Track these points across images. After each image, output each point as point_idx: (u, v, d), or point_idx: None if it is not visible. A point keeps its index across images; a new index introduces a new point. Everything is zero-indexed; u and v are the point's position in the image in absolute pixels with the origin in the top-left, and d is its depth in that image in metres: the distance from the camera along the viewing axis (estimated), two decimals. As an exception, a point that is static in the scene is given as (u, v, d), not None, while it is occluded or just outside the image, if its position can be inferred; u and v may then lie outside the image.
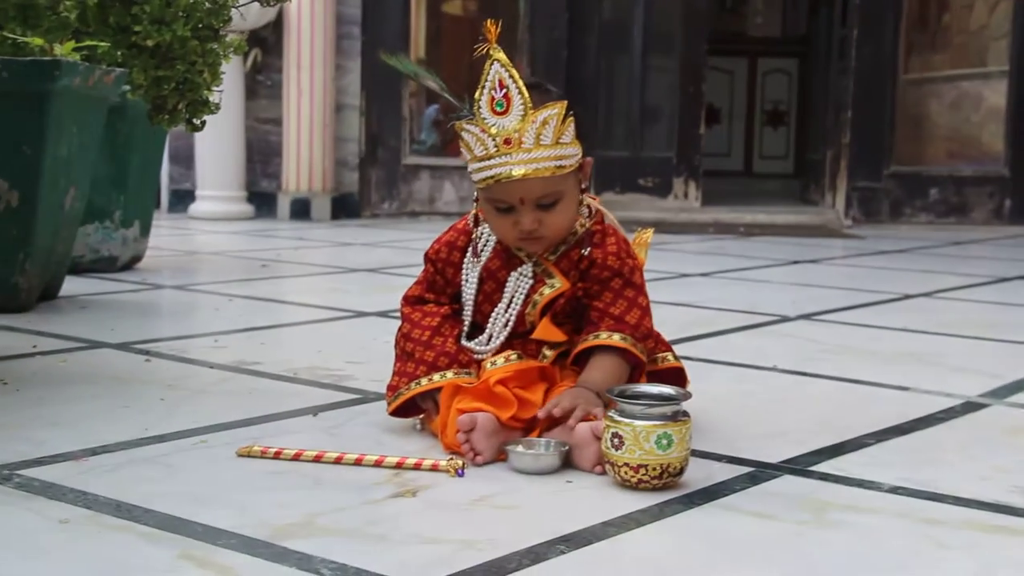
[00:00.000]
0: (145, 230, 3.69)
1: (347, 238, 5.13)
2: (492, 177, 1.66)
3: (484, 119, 1.65)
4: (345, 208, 6.16)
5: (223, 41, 2.12)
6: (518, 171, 1.64)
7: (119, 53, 2.29)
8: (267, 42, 6.09)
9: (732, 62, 9.36)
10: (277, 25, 6.01)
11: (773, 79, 9.48)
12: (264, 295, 3.27)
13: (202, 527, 1.31)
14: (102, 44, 2.91)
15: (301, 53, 5.96)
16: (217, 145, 5.88)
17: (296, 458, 1.59)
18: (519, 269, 1.76)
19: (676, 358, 1.84)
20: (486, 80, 1.64)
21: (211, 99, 2.16)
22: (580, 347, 1.71)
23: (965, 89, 6.88)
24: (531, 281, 1.75)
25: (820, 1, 7.26)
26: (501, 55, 1.64)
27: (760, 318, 2.99)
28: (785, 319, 2.99)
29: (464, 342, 1.78)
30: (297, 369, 2.21)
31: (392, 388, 1.76)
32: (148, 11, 1.95)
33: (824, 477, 1.57)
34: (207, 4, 2.01)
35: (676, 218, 6.24)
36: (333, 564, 1.21)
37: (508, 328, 1.75)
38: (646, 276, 1.81)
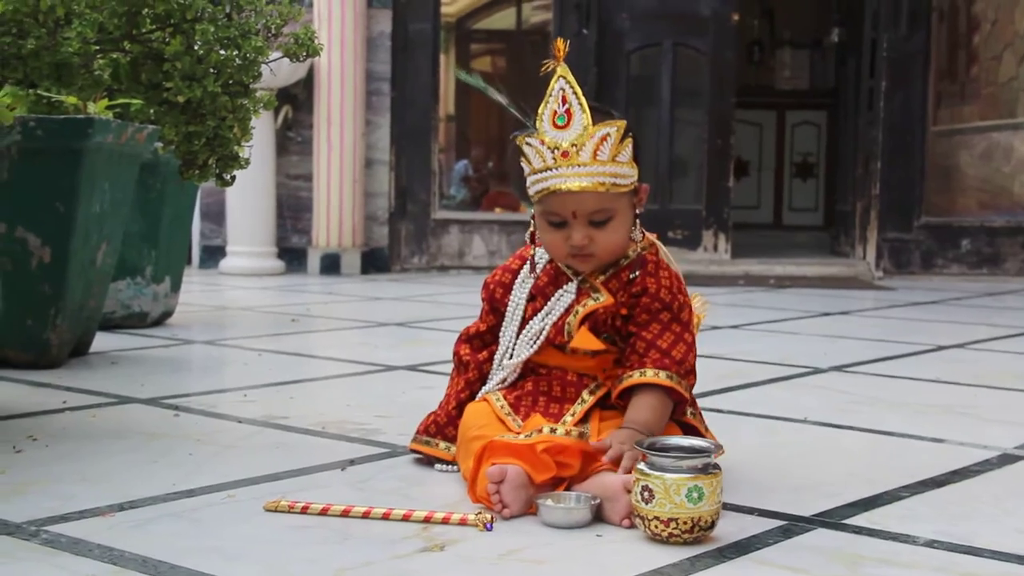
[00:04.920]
0: (176, 286, 3.71)
1: (376, 292, 5.14)
2: (547, 188, 1.69)
3: (544, 132, 1.68)
4: (375, 263, 6.18)
5: (253, 97, 2.14)
6: (573, 183, 1.67)
7: (151, 111, 2.31)
8: (298, 99, 6.15)
9: (761, 115, 9.38)
10: (308, 82, 6.08)
11: (802, 131, 9.48)
12: (293, 349, 3.27)
13: (229, 583, 1.31)
14: (135, 101, 2.95)
15: (331, 109, 6.02)
16: (248, 201, 5.93)
17: (323, 513, 1.58)
18: (565, 286, 1.78)
19: (695, 415, 1.81)
20: (550, 95, 1.68)
21: (241, 154, 2.18)
22: (626, 383, 1.70)
23: (995, 140, 6.86)
24: (573, 296, 1.77)
25: (848, 53, 7.27)
26: (567, 72, 1.68)
27: (791, 370, 2.96)
28: (817, 371, 2.97)
29: (505, 361, 1.81)
30: (326, 423, 2.20)
31: (421, 424, 1.89)
32: (179, 68, 1.97)
33: (858, 531, 1.55)
34: (237, 60, 2.03)
35: (706, 270, 6.22)
36: (360, 620, 1.20)
37: (543, 336, 1.75)
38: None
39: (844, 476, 1.85)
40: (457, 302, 4.58)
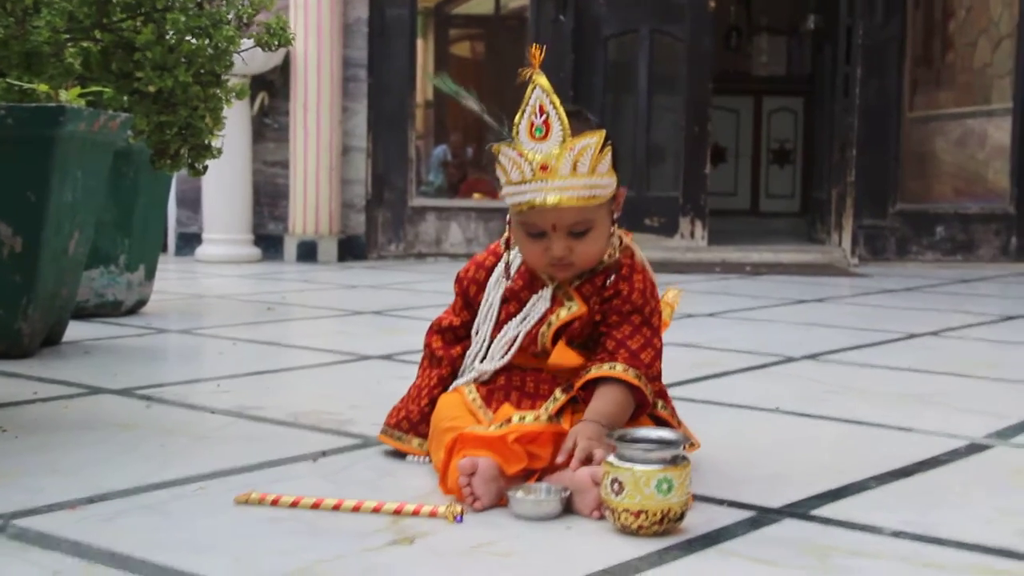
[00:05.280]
0: (150, 274, 3.69)
1: (353, 280, 5.13)
2: (526, 202, 1.67)
3: (522, 144, 1.66)
4: (352, 250, 6.17)
5: (225, 86, 2.13)
6: (552, 198, 1.65)
7: (124, 99, 2.30)
8: (274, 85, 6.12)
9: (738, 101, 9.40)
10: (284, 69, 6.05)
11: (779, 118, 9.51)
12: (268, 338, 3.27)
13: (197, 576, 1.31)
14: (107, 90, 2.93)
15: (308, 96, 6.00)
16: (224, 188, 5.91)
17: (294, 505, 1.58)
18: (540, 291, 1.77)
19: (664, 408, 1.82)
20: (527, 105, 1.65)
21: (214, 144, 2.17)
22: (594, 374, 1.70)
23: (970, 126, 6.89)
24: (548, 303, 1.76)
25: (824, 40, 7.29)
26: (543, 80, 1.65)
27: (765, 359, 2.97)
28: (790, 359, 2.98)
29: (476, 365, 1.80)
30: (299, 414, 2.20)
31: (388, 415, 1.89)
32: (150, 57, 1.96)
33: (826, 522, 1.56)
34: (209, 50, 2.02)
35: (683, 257, 6.23)
36: (328, 614, 1.20)
37: (517, 343, 1.76)
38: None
39: (813, 466, 1.86)
40: (433, 290, 4.58)
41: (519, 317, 1.78)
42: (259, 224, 6.16)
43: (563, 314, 1.75)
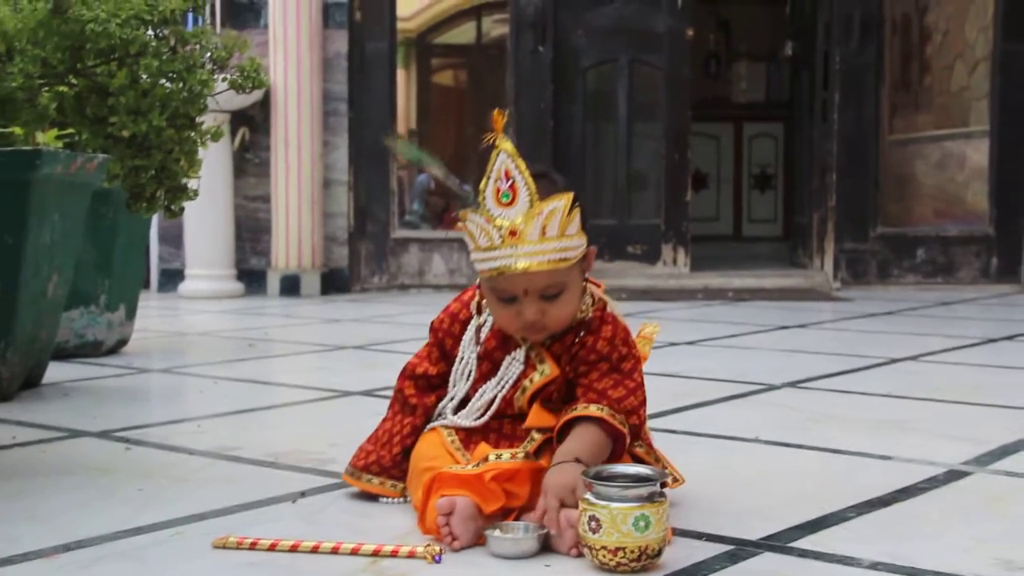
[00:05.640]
0: (131, 313, 3.69)
1: (336, 314, 5.12)
2: (496, 269, 1.66)
3: (489, 210, 1.64)
4: (335, 283, 6.17)
5: (199, 129, 2.14)
6: (522, 264, 1.63)
7: (100, 141, 2.30)
8: (254, 121, 6.13)
9: (718, 127, 9.44)
10: (264, 104, 6.06)
11: (759, 143, 9.55)
12: (250, 376, 3.26)
13: (173, 625, 1.30)
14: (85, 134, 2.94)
15: (288, 130, 6.01)
16: (206, 224, 5.91)
17: (272, 548, 1.58)
18: (513, 353, 1.76)
19: (641, 446, 1.80)
20: (492, 170, 1.64)
21: (190, 185, 2.17)
22: (561, 421, 1.71)
23: (949, 149, 6.94)
24: (522, 366, 1.75)
25: (801, 66, 7.34)
26: (508, 145, 1.63)
27: (746, 387, 2.98)
28: (771, 388, 2.99)
29: (451, 417, 1.79)
30: (278, 453, 2.20)
31: (355, 456, 1.87)
32: (124, 102, 1.96)
33: (803, 554, 1.56)
34: (183, 94, 2.02)
35: (665, 284, 6.25)
36: (304, 661, 1.20)
37: (493, 407, 1.76)
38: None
39: (792, 497, 1.86)
40: (416, 322, 4.58)
41: (494, 381, 1.77)
42: (241, 259, 6.15)
43: (536, 378, 1.74)
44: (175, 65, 1.99)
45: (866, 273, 6.53)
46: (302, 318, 4.94)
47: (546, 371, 1.74)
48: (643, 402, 1.75)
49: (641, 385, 1.76)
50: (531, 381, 1.75)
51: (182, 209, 2.25)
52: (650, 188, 6.63)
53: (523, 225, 1.62)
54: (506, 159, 1.63)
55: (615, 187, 6.60)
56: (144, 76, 2.01)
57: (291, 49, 6.00)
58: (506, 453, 1.66)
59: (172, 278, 6.19)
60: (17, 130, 2.92)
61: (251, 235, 6.20)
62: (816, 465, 2.13)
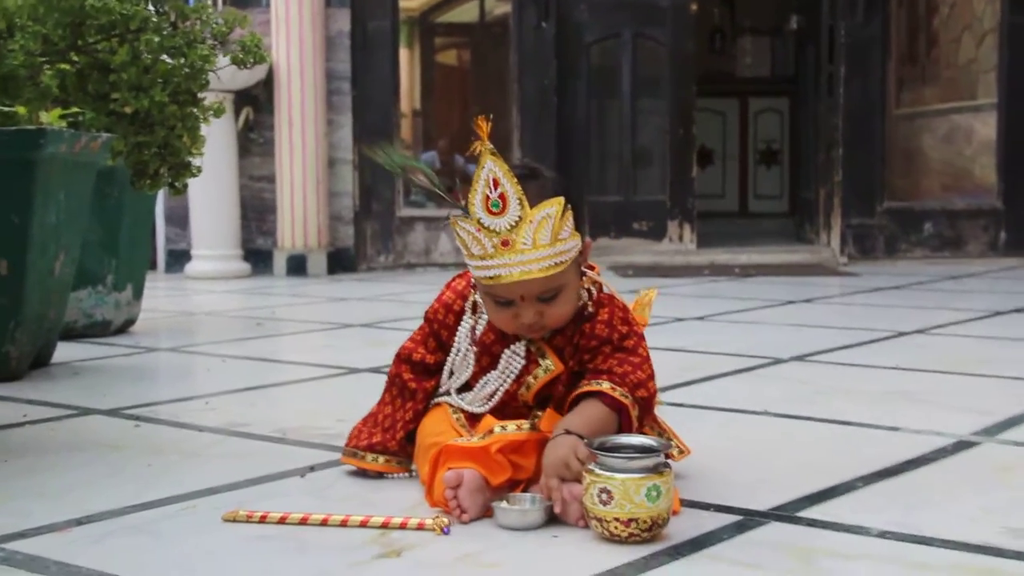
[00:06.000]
0: (138, 293, 3.69)
1: (343, 293, 5.13)
2: (490, 278, 1.64)
3: (479, 219, 1.61)
4: (341, 262, 6.18)
5: (202, 105, 2.13)
6: (517, 273, 1.62)
7: (104, 119, 2.30)
8: (258, 100, 6.13)
9: (723, 103, 9.41)
10: (268, 83, 6.05)
11: (765, 119, 9.52)
12: (257, 354, 3.27)
13: (184, 597, 1.31)
14: (88, 111, 2.93)
15: (292, 110, 6.00)
16: (212, 204, 5.91)
17: (282, 522, 1.58)
18: (512, 347, 1.75)
19: (652, 428, 1.79)
20: (479, 179, 1.61)
21: (193, 162, 2.17)
22: (576, 392, 1.70)
23: (956, 122, 6.92)
24: (523, 360, 1.74)
25: (807, 40, 7.31)
26: (494, 154, 1.59)
27: (753, 361, 2.98)
28: (778, 361, 2.99)
29: (454, 397, 1.79)
30: (287, 429, 2.20)
31: (353, 437, 1.85)
32: (126, 78, 1.96)
33: (812, 523, 1.56)
34: (185, 69, 2.02)
35: (672, 261, 6.24)
36: (315, 631, 1.20)
37: (496, 398, 1.75)
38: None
39: (800, 468, 1.86)
40: (423, 300, 4.56)
41: (496, 373, 1.75)
42: (248, 239, 6.16)
43: (540, 374, 1.73)
44: (176, 40, 1.98)
45: (873, 248, 6.52)
46: (309, 297, 4.95)
47: (550, 367, 1.73)
48: (651, 375, 1.74)
49: (647, 359, 1.75)
50: (535, 377, 1.74)
51: (185, 186, 2.24)
52: (655, 164, 6.62)
53: (515, 234, 1.60)
54: (493, 167, 1.59)
55: (620, 163, 6.59)
56: (145, 52, 2.00)
57: (293, 28, 5.98)
58: (511, 425, 1.66)
59: (179, 259, 6.19)
60: (20, 109, 2.92)
61: (257, 215, 6.20)
62: (823, 437, 2.13)
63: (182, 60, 2.00)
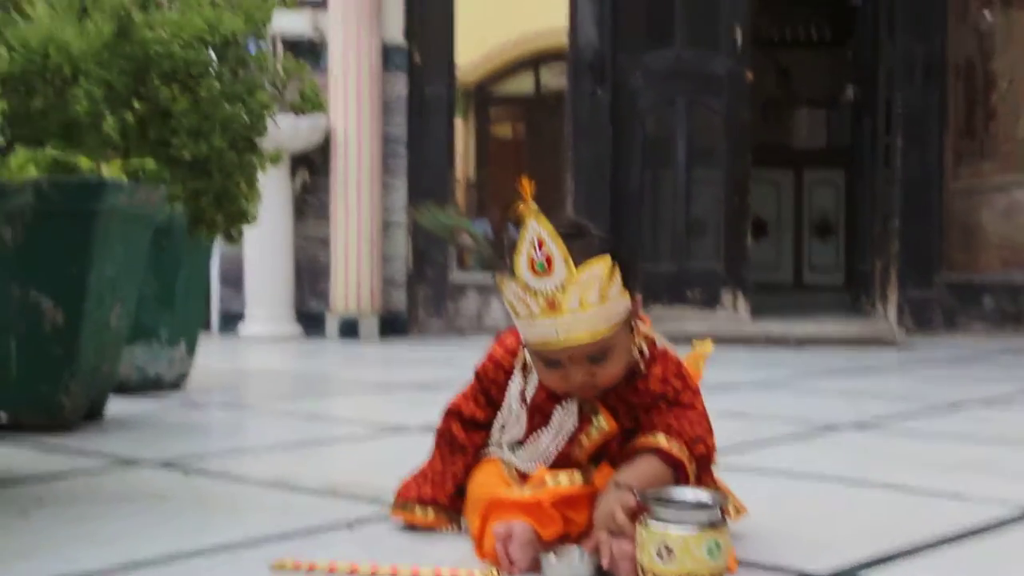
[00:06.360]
0: (192, 348, 3.71)
1: (394, 356, 5.12)
2: (538, 340, 1.61)
3: (525, 280, 1.58)
4: (393, 326, 6.18)
5: (260, 153, 2.15)
6: (564, 336, 1.58)
7: (164, 172, 2.32)
8: (315, 163, 6.19)
9: (778, 174, 9.39)
10: (324, 146, 6.12)
11: (820, 190, 9.48)
12: (309, 411, 3.26)
13: (229, 643, 1.28)
14: (148, 162, 2.96)
15: (348, 172, 6.05)
16: (266, 266, 5.95)
17: (330, 571, 1.56)
18: (564, 405, 1.71)
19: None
20: (524, 240, 1.57)
21: (249, 210, 2.18)
22: (634, 446, 1.66)
23: (1016, 197, 6.83)
24: (575, 419, 1.71)
25: (863, 111, 7.29)
26: (538, 215, 1.56)
27: (809, 428, 2.93)
28: (834, 428, 2.93)
29: (506, 452, 1.76)
30: (336, 484, 2.18)
31: (403, 491, 1.83)
32: (185, 124, 1.98)
33: (874, 587, 1.52)
34: (244, 116, 2.04)
35: (725, 331, 6.18)
36: None
37: (548, 460, 1.72)
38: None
39: (860, 533, 1.81)
40: (474, 363, 4.56)
41: (549, 433, 1.72)
42: (301, 301, 6.19)
43: (593, 434, 1.69)
44: (236, 88, 2.00)
45: (931, 321, 6.43)
46: (360, 359, 4.95)
47: (603, 426, 1.69)
48: (709, 430, 1.70)
49: (704, 414, 1.72)
50: (588, 437, 1.70)
51: (240, 234, 2.25)
52: (709, 234, 6.59)
53: (561, 296, 1.56)
54: (537, 228, 1.56)
55: (674, 231, 6.57)
56: (205, 98, 2.02)
57: (351, 90, 6.05)
58: (564, 476, 1.63)
59: (232, 320, 6.23)
60: (83, 161, 2.96)
61: (310, 277, 6.24)
62: (883, 502, 2.08)
63: (241, 107, 2.01)
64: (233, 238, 2.26)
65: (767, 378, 4.14)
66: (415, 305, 6.32)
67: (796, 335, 6.13)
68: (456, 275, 6.41)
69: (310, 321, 6.15)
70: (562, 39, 6.61)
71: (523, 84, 9.50)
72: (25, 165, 2.27)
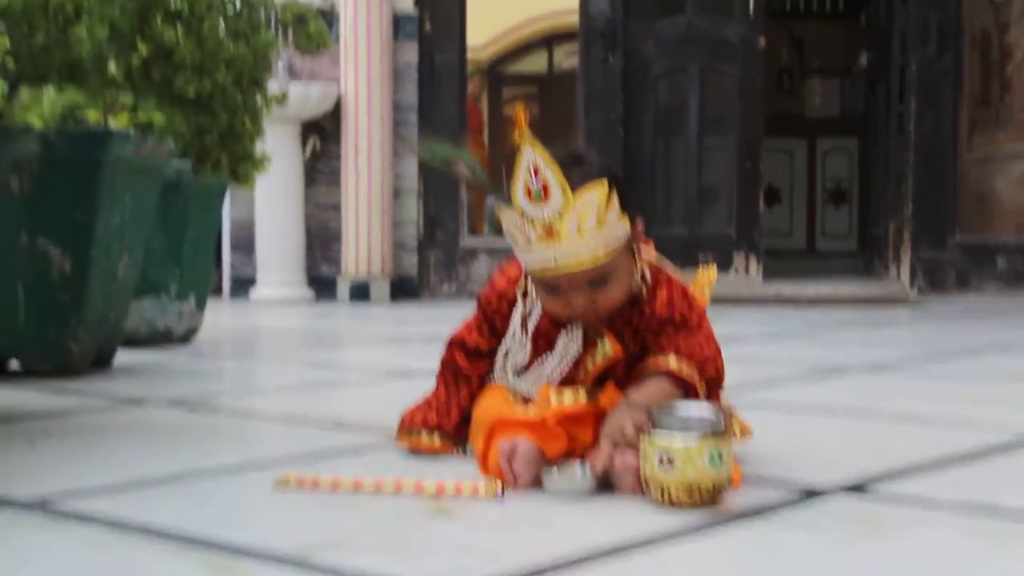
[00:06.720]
0: (201, 303, 3.70)
1: (405, 316, 5.12)
2: (537, 267, 1.60)
3: (522, 207, 1.56)
4: (404, 291, 6.18)
5: (264, 91, 2.13)
6: (564, 262, 1.57)
7: (173, 119, 2.31)
8: (325, 130, 6.18)
9: (791, 143, 9.35)
10: (335, 113, 6.11)
11: (833, 158, 9.44)
12: (319, 360, 3.26)
13: (231, 545, 1.28)
14: (157, 117, 2.96)
15: (359, 140, 6.04)
16: (277, 232, 5.95)
17: (334, 487, 1.55)
18: (569, 329, 1.69)
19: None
20: (520, 167, 1.55)
21: (256, 153, 2.17)
22: (633, 380, 1.65)
23: (1031, 165, 6.79)
24: (580, 345, 1.69)
25: (877, 78, 7.24)
26: (534, 142, 1.54)
27: (819, 370, 2.91)
28: (845, 370, 2.92)
29: (511, 378, 1.75)
30: (343, 418, 2.18)
31: (407, 418, 1.82)
32: (189, 61, 1.96)
33: (881, 498, 1.50)
34: (248, 55, 2.02)
35: (738, 293, 6.17)
36: (361, 573, 1.17)
37: (553, 384, 1.71)
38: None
39: (866, 454, 1.80)
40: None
41: (555, 358, 1.70)
42: (312, 267, 6.19)
43: (598, 358, 1.68)
44: (240, 24, 1.99)
45: (944, 282, 6.40)
46: (370, 319, 4.95)
47: (607, 351, 1.67)
48: (717, 352, 1.69)
49: (711, 336, 1.70)
50: (593, 361, 1.69)
51: (248, 176, 2.24)
52: (721, 199, 6.57)
53: (559, 223, 1.55)
54: (533, 155, 1.54)
55: (686, 197, 6.55)
56: (209, 36, 2.01)
57: (362, 59, 6.04)
58: (568, 393, 1.62)
59: (244, 285, 6.24)
60: (92, 114, 2.96)
61: (321, 243, 6.24)
62: (892, 429, 2.06)
63: (245, 44, 2.00)
64: (239, 178, 2.25)
65: (778, 331, 4.12)
66: (426, 269, 6.32)
67: (808, 295, 6.11)
68: (467, 239, 6.41)
69: (321, 285, 6.15)
70: (575, 18, 6.58)
71: (536, 63, 9.47)
72: (32, 105, 2.26)
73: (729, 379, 2.56)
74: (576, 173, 1.58)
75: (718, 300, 5.55)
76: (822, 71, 9.83)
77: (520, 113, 1.57)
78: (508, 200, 1.58)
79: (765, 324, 4.55)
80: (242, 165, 2.19)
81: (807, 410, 2.28)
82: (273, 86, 2.25)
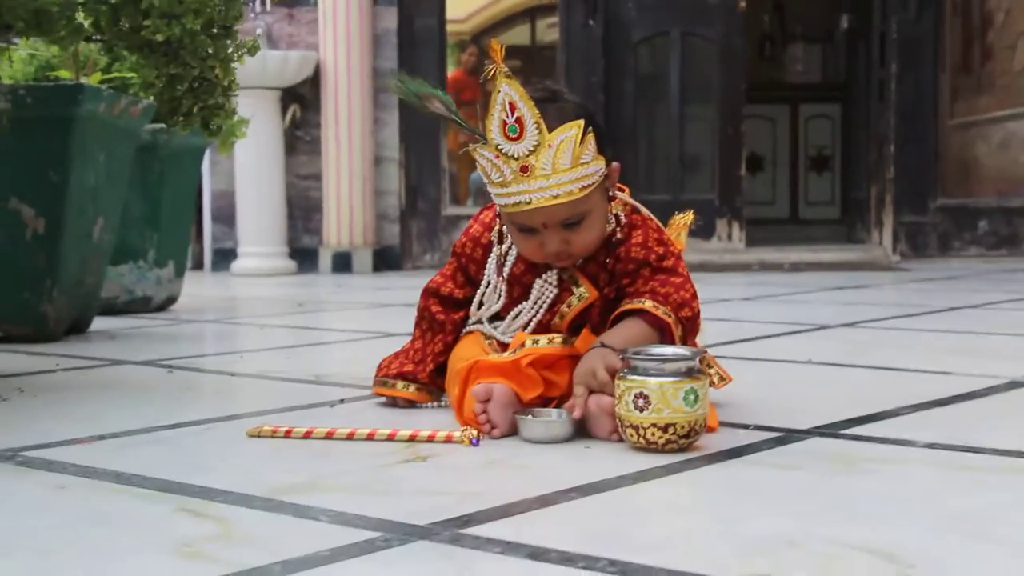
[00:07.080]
0: (180, 270, 3.68)
1: (387, 284, 5.11)
2: (512, 205, 1.58)
3: (497, 145, 1.55)
4: (387, 260, 6.16)
5: (236, 38, 2.11)
6: (538, 199, 1.55)
7: (135, 58, 2.27)
8: (305, 98, 6.13)
9: (773, 109, 9.31)
10: (315, 81, 6.06)
11: (816, 125, 9.42)
12: (299, 324, 3.24)
13: (200, 487, 1.27)
14: (131, 75, 2.93)
15: (339, 108, 6.00)
16: (258, 202, 5.91)
17: (307, 436, 1.54)
18: (544, 276, 1.69)
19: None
20: (495, 103, 1.54)
21: (228, 105, 2.14)
22: (620, 310, 1.64)
23: (1012, 129, 6.79)
24: (556, 289, 1.68)
25: (858, 39, 7.22)
26: (509, 78, 1.54)
27: (799, 327, 2.91)
28: (825, 327, 2.91)
29: (486, 326, 1.74)
30: (321, 374, 2.17)
31: (383, 368, 1.81)
32: (157, 5, 1.94)
33: (856, 438, 1.50)
34: (218, 1, 2.00)
35: (720, 259, 6.16)
36: (331, 512, 1.16)
37: (530, 328, 1.69)
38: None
39: (844, 401, 1.80)
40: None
41: (529, 304, 1.69)
42: (294, 237, 6.15)
43: (574, 302, 1.67)
44: (209, -30, 1.96)
45: (926, 246, 6.40)
46: (353, 288, 4.93)
47: (584, 294, 1.67)
48: (694, 295, 1.67)
49: (688, 279, 1.69)
50: (569, 306, 1.68)
51: (220, 129, 2.21)
52: (703, 165, 6.54)
53: (533, 160, 1.54)
54: (508, 90, 1.53)
55: (668, 164, 6.53)
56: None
57: (340, 25, 5.99)
58: (543, 338, 1.61)
59: (225, 257, 6.20)
60: (64, 73, 2.93)
61: (303, 213, 6.20)
62: (871, 379, 2.06)
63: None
64: (212, 132, 2.22)
65: (761, 294, 4.12)
66: (408, 239, 6.30)
67: (791, 260, 6.10)
68: (449, 208, 6.38)
69: (304, 256, 6.12)
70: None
71: (519, 36, 9.42)
72: (1, 65, 2.23)
73: (712, 336, 2.56)
74: (552, 110, 1.57)
75: (700, 267, 5.55)
76: (804, 37, 9.79)
77: (496, 48, 1.55)
78: (483, 137, 1.57)
79: (748, 288, 4.55)
80: (214, 117, 2.16)
81: (787, 363, 2.28)
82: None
